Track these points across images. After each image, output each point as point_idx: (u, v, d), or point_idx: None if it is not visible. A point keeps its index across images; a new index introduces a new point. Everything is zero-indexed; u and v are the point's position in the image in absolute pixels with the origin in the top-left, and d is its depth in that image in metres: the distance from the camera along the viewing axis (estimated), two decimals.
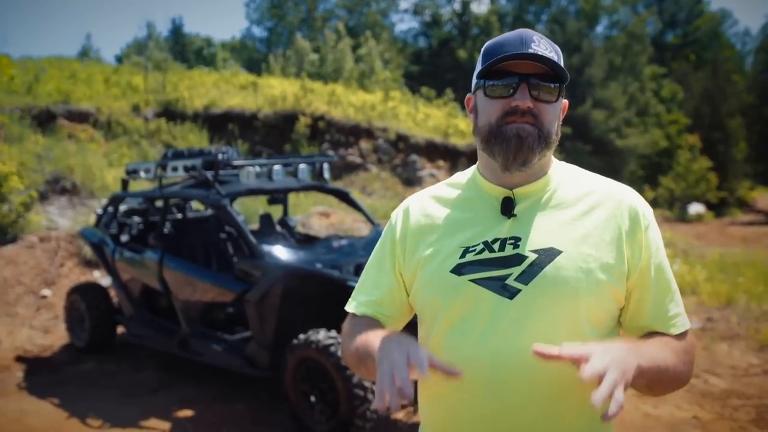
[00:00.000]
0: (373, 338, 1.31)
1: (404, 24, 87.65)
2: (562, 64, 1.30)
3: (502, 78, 1.28)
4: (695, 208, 25.96)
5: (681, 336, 1.32)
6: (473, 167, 1.45)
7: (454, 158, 16.67)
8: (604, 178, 1.40)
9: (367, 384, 3.94)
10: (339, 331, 4.37)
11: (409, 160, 15.72)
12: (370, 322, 1.42)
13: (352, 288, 4.29)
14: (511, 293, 1.25)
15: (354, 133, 15.81)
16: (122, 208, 6.38)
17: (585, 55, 29.39)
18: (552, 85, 1.27)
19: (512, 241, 1.29)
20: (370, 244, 5.08)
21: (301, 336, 4.16)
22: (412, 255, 1.38)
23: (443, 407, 1.34)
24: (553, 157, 1.41)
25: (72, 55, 26.06)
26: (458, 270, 1.30)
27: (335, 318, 4.57)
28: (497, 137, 1.28)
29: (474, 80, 1.36)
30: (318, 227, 10.04)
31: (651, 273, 1.30)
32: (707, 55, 38.68)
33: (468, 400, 1.28)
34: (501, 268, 1.27)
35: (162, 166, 5.51)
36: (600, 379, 1.05)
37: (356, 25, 37.72)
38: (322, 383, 4.09)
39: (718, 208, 28.40)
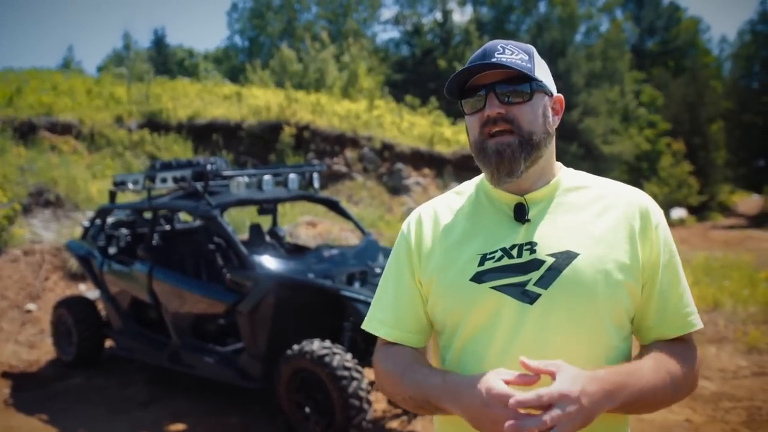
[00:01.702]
0: (425, 386, 1.28)
1: (386, 34, 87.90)
2: (535, 62, 1.32)
3: (473, 94, 1.32)
4: (678, 213, 26.23)
5: (685, 340, 1.33)
6: (480, 176, 1.46)
7: (440, 166, 16.73)
8: (612, 180, 1.42)
9: (363, 394, 3.92)
10: (333, 340, 4.37)
11: (395, 168, 15.75)
12: (403, 352, 1.39)
13: (345, 297, 4.31)
14: (532, 298, 1.26)
15: (339, 142, 15.81)
16: (109, 220, 6.32)
17: (567, 62, 29.66)
18: (520, 86, 1.29)
19: (528, 247, 1.30)
20: (361, 253, 5.07)
21: (296, 346, 4.14)
22: (428, 264, 1.38)
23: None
24: (560, 164, 1.43)
25: (53, 67, 25.84)
26: (478, 278, 1.30)
27: (328, 328, 4.57)
28: (480, 153, 1.33)
29: None
30: (305, 237, 10.02)
31: (660, 270, 1.31)
32: (686, 61, 39.19)
33: None
34: (520, 274, 1.28)
35: (150, 177, 5.46)
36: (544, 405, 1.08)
37: (338, 34, 37.78)
38: (316, 394, 4.07)
39: (699, 213, 28.74)
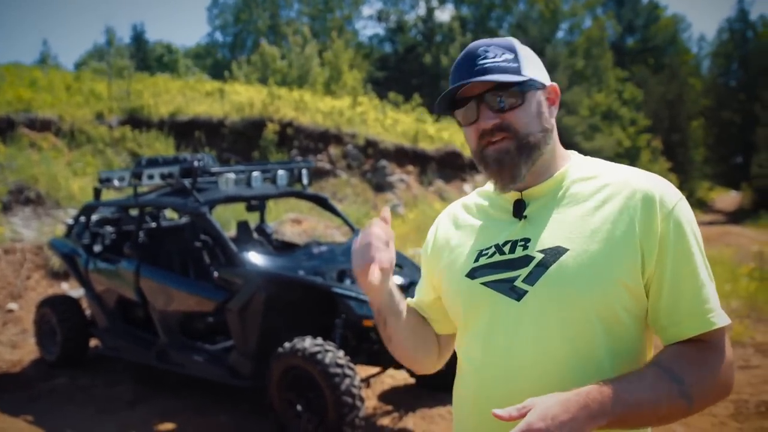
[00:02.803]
0: None
1: (369, 30, 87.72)
2: (520, 59, 1.28)
3: (463, 105, 1.30)
4: None
5: (708, 339, 1.19)
6: None
7: (424, 163, 16.73)
8: (630, 168, 1.33)
9: (355, 391, 3.90)
10: (325, 338, 4.35)
11: (379, 165, 15.72)
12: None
13: (336, 294, 4.29)
14: (519, 294, 1.25)
15: (323, 139, 15.75)
16: (94, 217, 6.23)
17: (549, 59, 29.88)
18: (509, 91, 1.26)
19: (523, 243, 1.29)
20: (350, 250, 5.03)
21: (287, 344, 4.11)
22: (438, 263, 1.45)
23: (459, 410, 1.40)
24: (574, 153, 1.40)
25: (29, 62, 25.43)
26: (471, 274, 1.32)
27: (319, 325, 4.54)
28: (481, 162, 1.32)
29: None
30: (291, 234, 9.96)
31: (668, 264, 1.20)
32: (665, 59, 39.63)
33: (476, 401, 1.31)
34: (510, 270, 1.28)
35: (137, 174, 5.39)
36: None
37: (320, 30, 37.65)
38: (308, 391, 4.04)
39: None
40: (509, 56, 1.27)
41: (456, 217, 1.47)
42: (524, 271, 1.25)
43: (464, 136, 1.37)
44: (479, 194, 1.48)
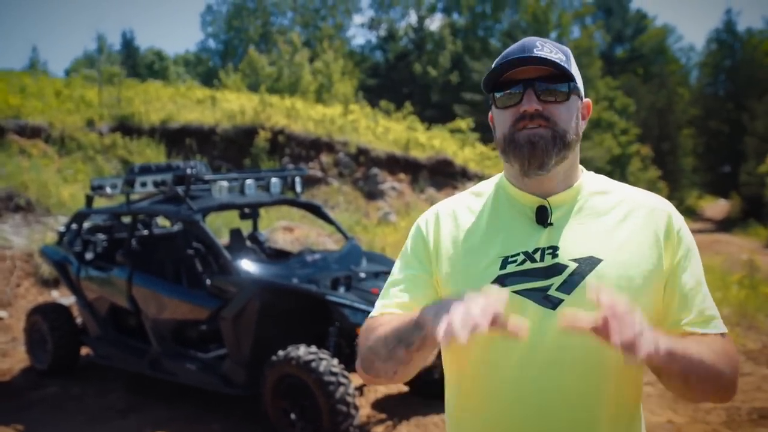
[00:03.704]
0: (410, 315, 1.22)
1: (360, 38, 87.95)
2: (571, 64, 1.31)
3: (508, 87, 1.29)
4: None
5: (717, 338, 1.27)
6: (497, 176, 1.45)
7: (415, 171, 16.75)
8: (633, 187, 1.41)
9: (350, 399, 3.90)
10: (319, 346, 4.34)
11: (371, 173, 15.73)
12: (396, 313, 1.33)
13: (331, 302, 4.28)
14: (554, 303, 1.24)
15: (314, 146, 15.75)
16: (86, 225, 6.19)
17: None
18: (559, 86, 1.28)
19: (550, 251, 1.28)
20: (344, 257, 5.04)
21: (281, 352, 4.10)
22: (445, 264, 1.35)
23: (482, 419, 1.31)
24: (582, 167, 1.42)
25: (19, 69, 25.30)
26: (500, 281, 1.27)
27: (313, 333, 4.53)
28: (510, 144, 1.29)
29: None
30: (282, 242, 9.94)
31: (681, 274, 1.29)
32: (654, 69, 39.96)
33: (511, 411, 1.26)
34: (542, 278, 1.26)
35: (129, 181, 5.37)
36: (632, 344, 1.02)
37: (312, 38, 37.71)
38: (302, 400, 4.03)
39: None
40: (562, 57, 1.30)
41: (458, 216, 1.40)
42: (557, 280, 1.25)
43: (493, 121, 1.36)
44: (476, 195, 1.43)
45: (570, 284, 1.25)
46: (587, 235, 1.30)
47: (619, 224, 1.31)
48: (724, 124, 34.88)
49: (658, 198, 1.38)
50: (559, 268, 1.26)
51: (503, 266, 1.29)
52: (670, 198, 30.14)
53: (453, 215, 1.41)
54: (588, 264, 1.25)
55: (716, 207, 36.80)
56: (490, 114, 1.40)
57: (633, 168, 30.42)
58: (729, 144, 33.73)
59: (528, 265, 1.28)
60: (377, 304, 1.40)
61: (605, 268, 1.25)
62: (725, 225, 27.61)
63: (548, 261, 1.27)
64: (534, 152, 1.26)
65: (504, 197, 1.38)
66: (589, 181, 1.38)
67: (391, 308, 1.36)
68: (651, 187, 29.27)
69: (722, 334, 1.28)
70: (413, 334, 1.17)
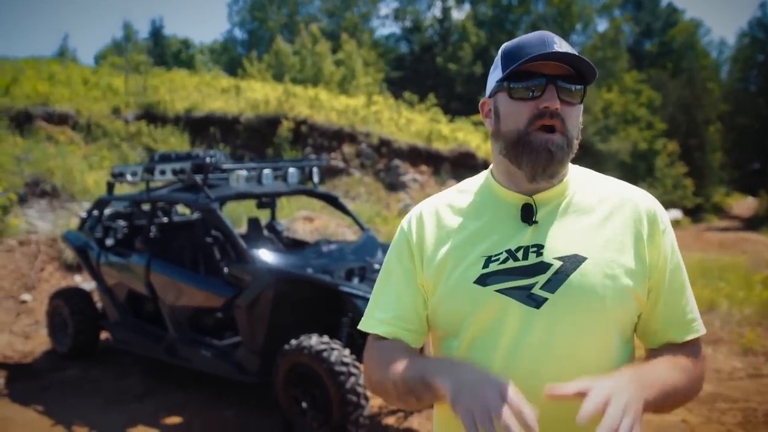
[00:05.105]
0: (423, 365, 1.22)
1: (385, 29, 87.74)
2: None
3: (528, 79, 1.23)
4: (673, 214, 26.30)
5: (692, 344, 1.31)
6: (484, 173, 1.41)
7: (437, 164, 16.72)
8: (619, 181, 1.38)
9: (360, 390, 3.92)
10: (331, 335, 4.37)
11: (392, 165, 15.74)
12: (400, 345, 1.33)
13: (344, 293, 4.30)
14: (538, 302, 1.22)
15: (337, 137, 15.79)
16: (107, 211, 6.29)
17: None
18: (576, 87, 1.25)
19: (534, 249, 1.26)
20: (360, 249, 5.06)
21: (293, 341, 4.13)
22: (430, 264, 1.32)
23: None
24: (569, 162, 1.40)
25: (49, 56, 25.69)
26: (482, 280, 1.25)
27: (326, 323, 4.56)
28: (526, 146, 1.24)
29: (491, 83, 1.33)
30: (302, 232, 10.00)
31: (666, 275, 1.29)
32: (683, 63, 39.28)
33: None
34: (526, 277, 1.24)
35: (149, 169, 5.43)
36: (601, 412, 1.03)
37: (337, 28, 37.69)
38: (314, 389, 4.06)
39: (693, 214, 28.82)
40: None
41: (441, 216, 1.36)
42: (542, 278, 1.23)
43: (500, 110, 1.29)
44: (462, 192, 1.40)
45: (554, 283, 1.23)
46: (572, 232, 1.27)
47: (604, 222, 1.29)
48: (754, 120, 34.16)
49: (644, 195, 1.35)
50: (543, 267, 1.24)
51: (486, 265, 1.26)
52: (696, 195, 29.77)
53: (436, 215, 1.37)
54: (572, 262, 1.23)
55: (744, 204, 36.13)
56: (483, 100, 1.35)
57: (660, 164, 29.94)
58: (758, 140, 33.08)
59: (511, 263, 1.26)
60: (369, 312, 1.39)
61: (589, 267, 1.23)
62: (753, 223, 27.08)
63: (532, 259, 1.25)
64: (551, 162, 1.24)
65: (489, 195, 1.36)
66: (575, 177, 1.35)
67: (385, 327, 1.35)
68: (677, 183, 28.87)
69: (698, 338, 1.31)
70: (424, 392, 1.19)
